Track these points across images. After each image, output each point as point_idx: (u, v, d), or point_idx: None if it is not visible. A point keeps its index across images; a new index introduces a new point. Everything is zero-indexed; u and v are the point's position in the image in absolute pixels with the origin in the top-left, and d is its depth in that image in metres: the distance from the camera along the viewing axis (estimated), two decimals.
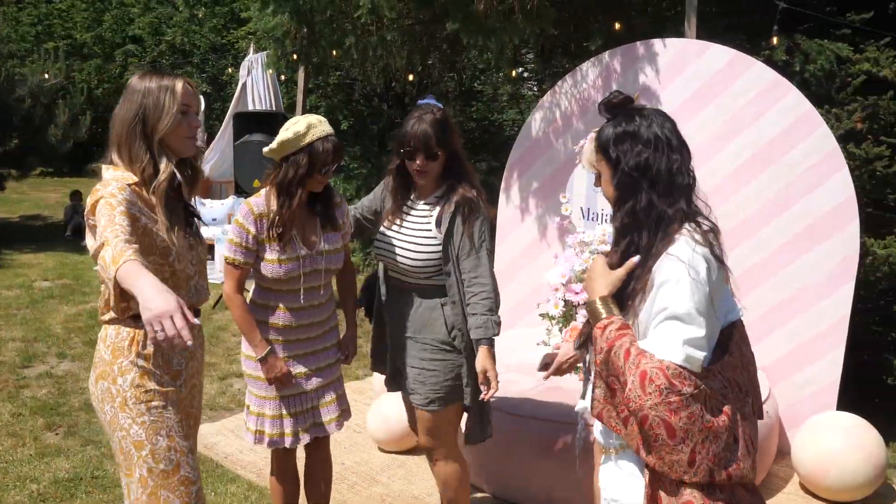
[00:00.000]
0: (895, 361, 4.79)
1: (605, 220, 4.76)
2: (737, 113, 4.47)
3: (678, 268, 1.85)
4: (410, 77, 7.76)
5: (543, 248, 5.31)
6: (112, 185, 2.31)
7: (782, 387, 4.39)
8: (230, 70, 13.10)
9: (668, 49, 4.71)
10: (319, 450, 3.26)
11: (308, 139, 2.85)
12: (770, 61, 4.94)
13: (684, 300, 1.82)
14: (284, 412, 3.06)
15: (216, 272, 9.08)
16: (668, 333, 1.82)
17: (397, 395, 4.02)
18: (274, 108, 10.05)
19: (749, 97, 4.45)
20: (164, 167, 2.38)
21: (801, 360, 4.36)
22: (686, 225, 1.93)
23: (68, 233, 11.13)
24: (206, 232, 9.71)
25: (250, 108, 9.96)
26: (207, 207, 10.15)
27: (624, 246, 1.98)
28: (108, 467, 4.08)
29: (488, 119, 12.17)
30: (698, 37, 4.83)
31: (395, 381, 3.29)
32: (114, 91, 18.53)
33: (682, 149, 1.97)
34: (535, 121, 5.32)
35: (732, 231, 4.36)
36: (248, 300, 3.06)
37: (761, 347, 4.38)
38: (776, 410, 4.25)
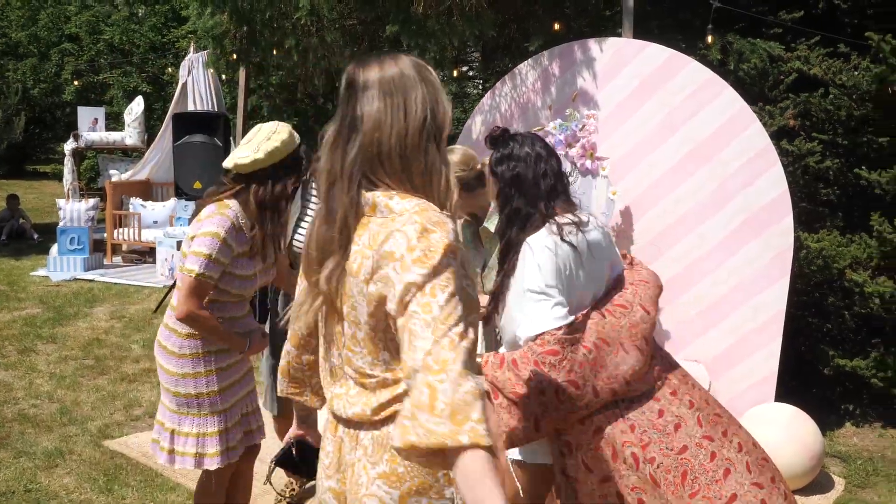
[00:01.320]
0: (830, 352, 4.91)
1: None
2: (673, 111, 4.53)
3: (526, 251, 2.36)
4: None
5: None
6: (447, 224, 1.57)
7: (723, 381, 4.47)
8: (170, 70, 12.86)
9: (606, 49, 4.75)
10: (249, 461, 3.17)
11: (293, 147, 2.79)
12: (705, 60, 5.01)
13: (534, 277, 2.32)
14: (228, 425, 2.94)
15: (157, 276, 8.93)
16: (534, 308, 2.32)
17: None
18: (216, 109, 9.91)
19: (685, 95, 4.52)
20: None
21: (739, 353, 4.44)
22: (548, 221, 2.39)
23: (3, 237, 10.81)
24: (147, 235, 9.55)
25: (191, 108, 9.81)
26: (148, 210, 9.98)
27: (502, 244, 2.46)
28: (43, 480, 3.97)
29: None
30: (635, 37, 4.88)
31: None
32: (51, 91, 18.09)
33: (549, 158, 2.47)
34: (476, 124, 5.33)
35: (673, 227, 4.42)
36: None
37: (702, 342, 4.46)
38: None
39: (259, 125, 2.87)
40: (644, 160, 4.49)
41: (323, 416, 1.93)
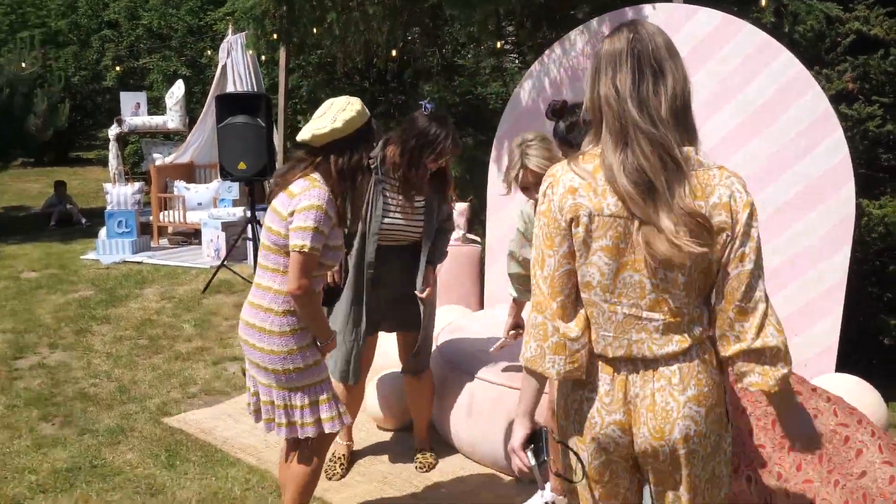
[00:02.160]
0: (891, 322, 4.79)
1: None
2: (727, 77, 4.42)
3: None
4: (394, 53, 7.64)
5: None
6: None
7: None
8: (209, 52, 12.90)
9: (656, 13, 4.65)
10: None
11: (367, 118, 2.87)
12: (759, 23, 4.88)
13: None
14: (333, 392, 3.03)
15: (203, 256, 9.01)
16: None
17: (392, 374, 4.04)
18: (255, 90, 9.93)
19: (739, 60, 4.40)
20: None
21: (799, 323, 4.35)
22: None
23: (53, 223, 10.98)
24: (192, 216, 9.63)
25: (231, 90, 9.83)
26: (192, 192, 10.06)
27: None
28: (107, 456, 4.03)
29: (472, 93, 12.05)
30: (687, 1, 4.77)
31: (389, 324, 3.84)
32: (91, 78, 18.27)
33: None
34: (524, 90, 5.26)
35: None
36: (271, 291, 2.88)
37: None
38: None
39: (330, 100, 2.90)
40: (699, 129, 4.39)
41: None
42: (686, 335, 1.88)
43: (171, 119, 10.90)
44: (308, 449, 3.03)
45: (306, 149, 2.90)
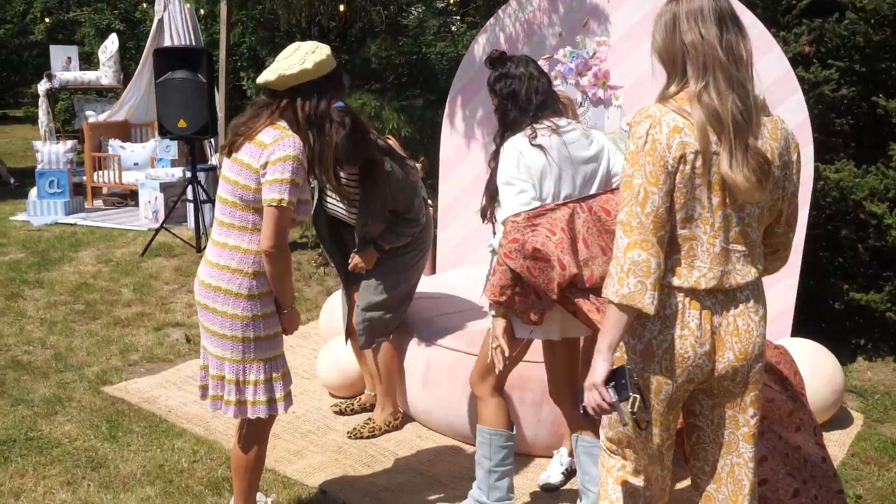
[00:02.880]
0: (844, 286, 4.81)
1: None
2: None
3: (502, 150, 2.74)
4: (342, 8, 7.37)
5: None
6: None
7: None
8: (144, 6, 12.35)
9: None
10: None
11: (335, 64, 2.67)
12: None
13: (503, 170, 2.71)
14: (286, 368, 2.83)
15: (141, 218, 8.68)
16: (504, 196, 2.70)
17: (343, 341, 3.92)
18: (194, 44, 9.53)
19: None
20: None
21: None
22: (535, 125, 2.74)
23: None
24: (128, 177, 9.25)
25: (167, 45, 9.41)
26: (128, 151, 9.65)
27: (495, 146, 2.81)
28: (44, 427, 3.81)
29: (417, 53, 11.80)
30: None
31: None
32: (17, 32, 17.40)
33: (540, 77, 2.83)
34: (479, 46, 5.10)
35: None
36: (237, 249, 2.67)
37: None
38: None
39: (296, 43, 2.69)
40: (658, 88, 4.30)
41: None
42: (758, 264, 2.13)
43: (105, 75, 10.41)
44: (255, 432, 2.82)
45: (267, 93, 2.68)
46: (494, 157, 2.82)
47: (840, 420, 4.05)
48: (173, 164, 9.30)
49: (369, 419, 3.91)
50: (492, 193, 2.82)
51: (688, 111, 1.98)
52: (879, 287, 4.83)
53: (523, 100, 2.77)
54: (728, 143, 1.95)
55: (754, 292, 2.12)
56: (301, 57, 2.60)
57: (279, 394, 2.75)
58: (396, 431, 3.90)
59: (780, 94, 4.16)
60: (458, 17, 10.68)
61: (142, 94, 10.04)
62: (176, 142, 8.94)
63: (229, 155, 2.64)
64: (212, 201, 7.49)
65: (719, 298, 2.06)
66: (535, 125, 2.74)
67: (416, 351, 3.87)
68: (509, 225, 2.67)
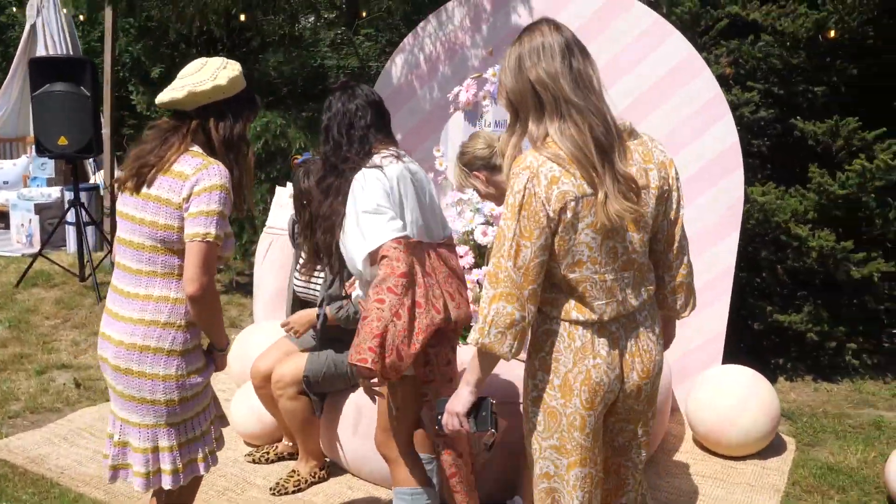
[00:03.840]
0: (767, 307, 4.81)
1: None
2: (617, 56, 4.21)
3: (354, 185, 2.57)
4: (242, 17, 6.96)
5: None
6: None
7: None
8: (13, 10, 11.46)
9: None
10: None
11: (245, 82, 2.42)
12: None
13: (366, 199, 2.53)
14: (211, 421, 2.53)
15: (13, 243, 7.95)
16: (370, 224, 2.50)
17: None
18: (71, 53, 8.85)
19: (629, 40, 4.21)
20: None
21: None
22: (375, 157, 2.64)
23: None
24: None
25: (41, 53, 8.70)
26: None
27: (324, 184, 2.69)
28: None
29: (310, 65, 11.40)
30: None
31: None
32: None
33: (364, 113, 2.70)
34: (396, 66, 4.84)
35: None
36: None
37: None
38: (670, 367, 4.10)
39: (201, 59, 2.40)
40: None
41: None
42: (649, 284, 2.20)
43: None
44: (186, 492, 2.49)
45: (170, 114, 2.38)
46: (325, 192, 2.68)
47: (774, 446, 4.00)
48: (49, 183, 8.58)
49: (293, 471, 3.56)
50: (325, 233, 2.69)
51: (561, 156, 1.98)
52: (797, 307, 4.86)
53: (336, 135, 2.69)
54: (599, 178, 1.98)
55: (651, 311, 2.21)
56: (212, 72, 2.33)
57: (200, 453, 2.44)
58: (324, 483, 3.57)
59: (711, 117, 4.09)
60: (345, 29, 10.39)
61: (11, 107, 9.25)
62: (52, 160, 8.24)
63: (137, 191, 2.31)
64: (95, 223, 6.91)
65: (622, 322, 2.14)
66: (373, 157, 2.65)
67: (344, 396, 3.56)
68: (392, 252, 2.48)
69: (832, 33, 4.60)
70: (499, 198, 3.10)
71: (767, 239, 4.87)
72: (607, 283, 2.08)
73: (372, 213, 2.52)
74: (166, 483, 2.37)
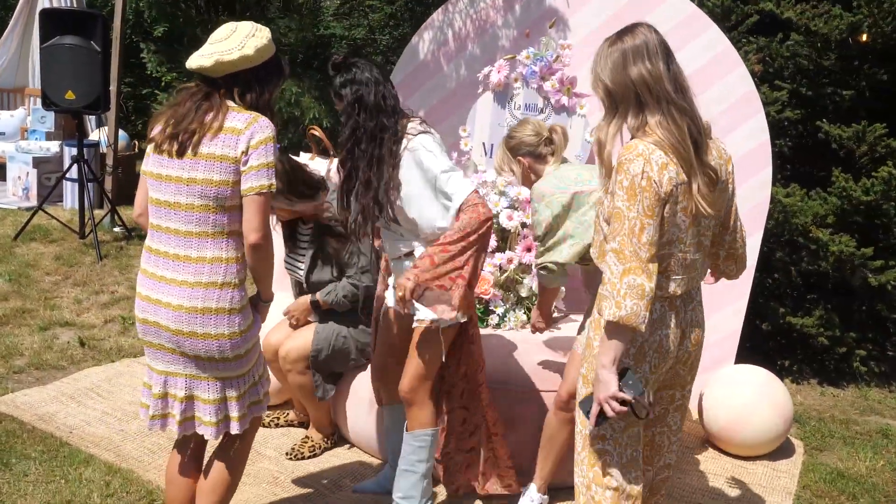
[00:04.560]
0: (780, 309, 4.80)
1: None
2: None
3: (417, 151, 2.72)
4: None
5: None
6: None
7: None
8: None
9: None
10: None
11: (275, 48, 2.43)
12: None
13: (438, 161, 2.73)
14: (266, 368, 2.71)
15: (8, 195, 7.81)
16: (454, 182, 2.71)
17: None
18: (76, 6, 8.65)
19: (665, 29, 4.12)
20: None
21: (707, 309, 4.20)
22: (409, 126, 2.78)
23: None
24: None
25: (47, 5, 8.49)
26: None
27: (346, 158, 2.75)
28: None
29: (314, 34, 11.22)
30: None
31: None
32: None
33: (386, 83, 2.77)
34: (423, 41, 4.75)
35: None
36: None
37: None
38: None
39: (231, 24, 2.38)
40: None
41: None
42: (706, 268, 2.46)
43: None
44: (240, 447, 2.58)
45: (197, 79, 2.39)
46: (369, 165, 2.72)
47: (784, 448, 4.00)
48: (48, 137, 8.40)
49: (307, 437, 3.56)
50: (375, 201, 2.73)
51: (664, 145, 2.18)
52: (807, 310, 4.85)
53: (373, 105, 2.71)
54: (692, 170, 2.19)
55: (700, 288, 2.45)
56: (240, 41, 2.32)
57: (255, 397, 2.56)
58: (336, 457, 3.54)
59: (744, 113, 4.06)
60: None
61: (11, 56, 9.06)
62: (53, 113, 8.08)
63: (180, 155, 2.32)
64: (97, 181, 6.78)
65: (684, 298, 2.36)
66: (408, 126, 2.78)
67: (354, 373, 3.52)
68: (477, 199, 2.73)
69: (864, 37, 4.55)
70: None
71: (783, 240, 4.85)
72: (687, 261, 2.31)
73: (450, 171, 2.73)
74: (234, 428, 2.47)
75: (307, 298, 3.43)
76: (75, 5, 8.63)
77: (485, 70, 4.30)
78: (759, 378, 3.91)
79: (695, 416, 4.19)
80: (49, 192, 6.77)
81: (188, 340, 2.35)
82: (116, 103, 6.90)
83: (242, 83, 2.34)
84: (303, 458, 3.45)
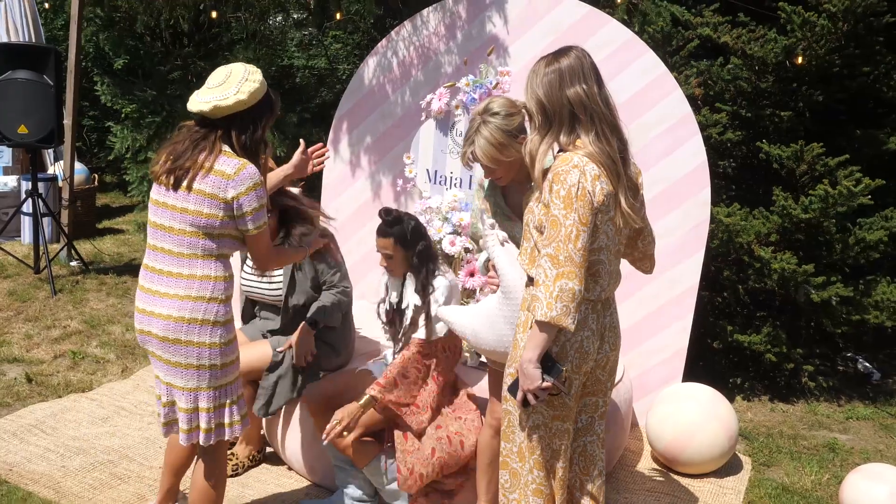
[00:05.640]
0: (728, 327, 4.86)
1: (455, 185, 4.37)
2: None
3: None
4: (214, 14, 6.87)
5: (377, 209, 4.82)
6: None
7: (633, 354, 4.29)
8: None
9: None
10: None
11: (266, 87, 2.68)
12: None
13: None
14: (240, 393, 2.86)
15: None
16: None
17: None
18: (34, 40, 8.65)
19: (603, 55, 4.22)
20: None
21: (651, 327, 4.27)
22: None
23: None
24: None
25: (2, 39, 8.49)
26: None
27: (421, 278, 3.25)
28: None
29: (278, 64, 11.28)
30: None
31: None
32: None
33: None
34: (368, 68, 4.81)
35: None
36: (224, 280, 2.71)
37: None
38: (630, 382, 4.12)
39: (226, 67, 2.69)
40: None
41: None
42: (620, 275, 2.63)
43: None
44: (217, 452, 2.80)
45: (196, 119, 2.68)
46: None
47: (731, 465, 4.03)
48: (6, 171, 8.35)
49: (231, 454, 3.58)
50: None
51: (595, 158, 2.35)
52: (756, 328, 4.92)
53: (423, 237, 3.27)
54: (620, 182, 2.38)
55: (614, 294, 2.62)
56: (235, 86, 2.60)
57: (237, 416, 2.77)
58: (259, 466, 3.62)
59: (681, 136, 4.13)
60: (315, 30, 10.33)
61: None
62: (10, 148, 8.03)
63: (175, 188, 2.61)
64: (52, 215, 6.75)
65: (604, 303, 2.55)
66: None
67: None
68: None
69: (800, 59, 4.67)
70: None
71: (730, 259, 4.92)
72: (612, 267, 2.50)
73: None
74: (201, 439, 2.70)
75: (307, 335, 3.42)
76: (34, 39, 8.63)
77: (426, 98, 4.36)
78: (705, 396, 3.96)
79: (642, 433, 4.24)
80: (3, 227, 6.72)
81: (173, 346, 2.62)
82: (72, 137, 6.87)
83: (238, 124, 2.61)
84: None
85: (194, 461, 2.88)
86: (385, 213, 3.25)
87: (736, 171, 5.10)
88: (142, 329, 2.69)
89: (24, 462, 3.53)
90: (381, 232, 3.22)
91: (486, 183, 2.97)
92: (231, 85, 2.59)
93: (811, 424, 4.63)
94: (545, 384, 2.39)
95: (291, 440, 3.56)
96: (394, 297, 3.35)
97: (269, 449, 3.78)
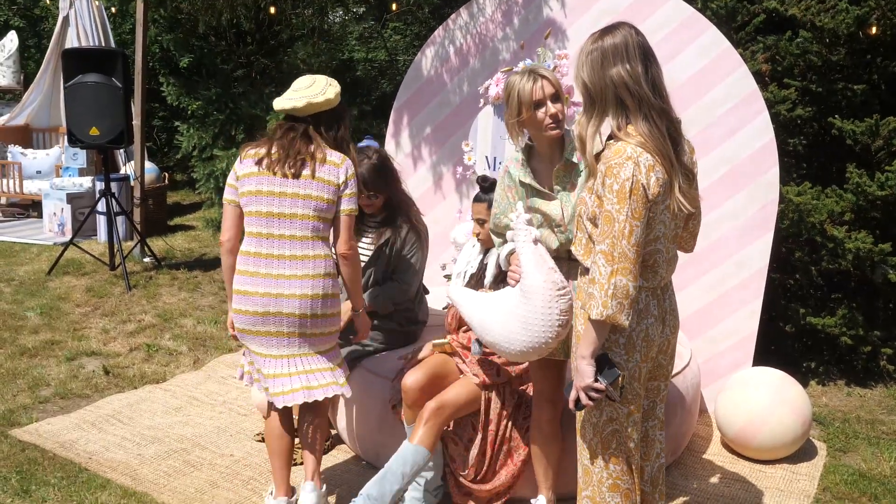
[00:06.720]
0: (801, 310, 4.71)
1: None
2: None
3: None
4: (272, 10, 6.96)
5: (438, 199, 4.84)
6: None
7: (701, 340, 4.20)
8: (46, 2, 11.56)
9: None
10: None
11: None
12: None
13: None
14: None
15: (45, 231, 8.03)
16: None
17: None
18: (103, 45, 8.91)
19: (664, 34, 4.14)
20: None
21: (720, 312, 4.18)
22: None
23: None
24: (29, 186, 8.57)
25: (73, 44, 8.76)
26: (30, 158, 8.96)
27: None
28: None
29: (338, 58, 11.39)
30: None
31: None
32: None
33: None
34: (426, 58, 4.81)
35: None
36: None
37: (680, 300, 4.16)
38: (698, 367, 4.03)
39: (309, 76, 3.04)
40: None
41: None
42: (677, 257, 2.59)
43: (3, 75, 9.68)
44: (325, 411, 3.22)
45: (283, 117, 3.02)
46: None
47: (805, 451, 3.92)
48: (81, 173, 8.64)
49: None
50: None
51: (648, 147, 2.26)
52: (831, 310, 4.76)
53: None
54: (674, 169, 2.30)
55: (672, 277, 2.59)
56: (323, 88, 2.99)
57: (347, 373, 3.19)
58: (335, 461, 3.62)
59: (747, 114, 4.02)
60: (375, 23, 10.37)
61: (44, 97, 9.35)
62: (84, 150, 8.31)
63: (298, 176, 2.93)
64: (125, 213, 6.95)
65: (664, 288, 2.51)
66: None
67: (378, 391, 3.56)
68: None
69: (874, 29, 4.48)
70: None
71: (802, 240, 4.77)
72: (669, 254, 2.46)
73: None
74: (346, 392, 3.11)
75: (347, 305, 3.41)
76: (103, 43, 8.89)
77: (484, 84, 4.34)
78: (775, 380, 3.85)
79: (711, 419, 4.15)
80: (79, 227, 6.95)
81: (311, 321, 2.95)
82: (142, 137, 7.06)
83: (325, 121, 2.97)
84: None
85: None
86: (482, 179, 3.31)
87: (806, 148, 4.93)
88: (268, 311, 2.93)
89: (103, 451, 3.65)
90: (477, 198, 3.30)
91: (511, 167, 2.94)
92: (319, 87, 2.97)
93: (890, 409, 4.46)
94: (598, 384, 2.34)
95: (359, 425, 3.60)
96: (474, 267, 3.39)
97: (332, 431, 3.83)
